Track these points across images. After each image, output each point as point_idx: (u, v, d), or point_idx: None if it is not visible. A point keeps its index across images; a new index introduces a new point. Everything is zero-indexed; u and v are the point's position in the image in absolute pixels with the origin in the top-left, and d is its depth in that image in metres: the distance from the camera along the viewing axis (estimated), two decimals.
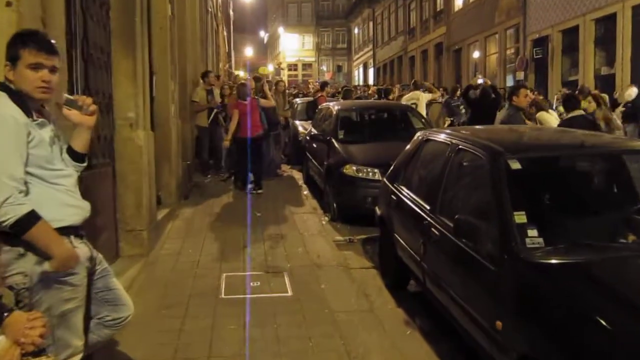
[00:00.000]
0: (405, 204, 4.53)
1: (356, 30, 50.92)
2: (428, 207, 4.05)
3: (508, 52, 23.08)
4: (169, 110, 7.47)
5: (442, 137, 4.40)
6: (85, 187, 3.28)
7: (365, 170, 7.15)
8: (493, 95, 9.28)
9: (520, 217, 2.97)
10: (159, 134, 7.34)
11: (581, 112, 7.02)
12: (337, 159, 7.65)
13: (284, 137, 11.21)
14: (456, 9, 27.64)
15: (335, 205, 7.57)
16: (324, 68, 57.08)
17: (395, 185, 4.96)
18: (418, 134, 5.09)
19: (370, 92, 18.52)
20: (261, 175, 9.02)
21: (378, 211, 5.39)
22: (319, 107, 10.27)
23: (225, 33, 37.97)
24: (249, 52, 64.43)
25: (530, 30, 20.98)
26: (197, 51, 12.53)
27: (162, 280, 4.93)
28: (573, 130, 5.00)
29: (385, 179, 5.35)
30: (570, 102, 6.96)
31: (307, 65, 59.42)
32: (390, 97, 11.91)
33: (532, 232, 2.90)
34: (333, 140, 8.11)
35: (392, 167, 5.34)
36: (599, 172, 3.81)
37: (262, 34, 70.03)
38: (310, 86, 20.77)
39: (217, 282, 4.87)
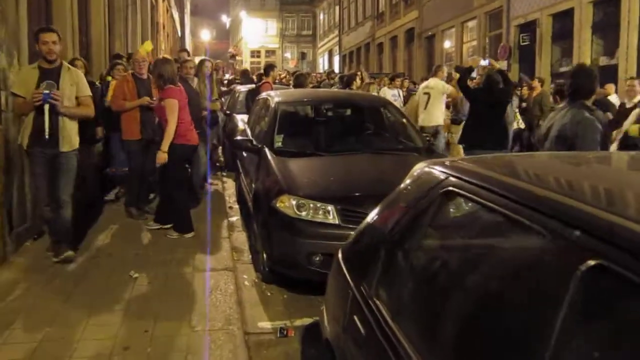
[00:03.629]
0: None
1: (321, 16, 48.27)
2: None
3: (488, 39, 20.57)
4: None
5: (520, 200, 1.46)
6: None
7: (312, 206, 4.27)
8: (502, 85, 6.51)
9: None
10: None
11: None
12: (269, 184, 4.75)
13: (210, 138, 8.23)
14: None
15: (265, 257, 4.69)
16: (288, 55, 54.82)
17: (364, 288, 2.10)
18: (421, 167, 2.17)
19: (334, 80, 15.44)
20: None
21: (326, 329, 2.53)
22: (257, 98, 7.30)
23: (176, 15, 34.52)
24: (208, 36, 61.05)
25: (514, 14, 18.52)
26: (100, 22, 9.43)
27: None
28: None
29: (342, 261, 2.48)
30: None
31: (270, 52, 56.83)
32: (353, 86, 9.00)
33: None
34: (266, 151, 5.18)
35: (355, 240, 2.48)
36: None
37: (225, 18, 66.64)
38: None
39: None
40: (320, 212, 4.23)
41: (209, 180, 8.39)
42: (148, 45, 6.15)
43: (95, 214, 6.39)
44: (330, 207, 4.21)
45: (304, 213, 4.25)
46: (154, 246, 5.40)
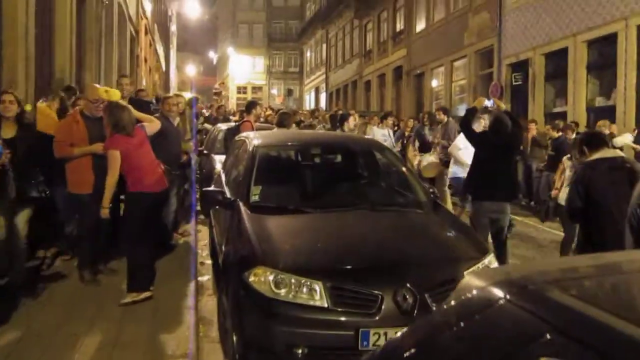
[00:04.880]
0: None
1: (308, 53, 48.27)
2: None
3: (478, 78, 20.10)
4: None
5: None
6: None
7: (294, 282, 3.35)
8: (510, 127, 5.74)
9: None
10: None
11: (617, 152, 3.92)
12: (241, 250, 3.83)
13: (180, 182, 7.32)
14: (418, 29, 24.70)
15: (235, 340, 3.72)
16: (275, 92, 54.76)
17: None
18: (479, 291, 1.24)
19: (320, 118, 14.49)
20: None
21: None
22: (235, 139, 6.44)
23: (161, 49, 33.94)
24: (194, 72, 60.90)
25: (506, 53, 18.13)
26: (66, 53, 8.60)
27: None
28: None
29: None
30: (595, 140, 4.17)
31: (257, 89, 56.86)
32: (346, 127, 8.17)
33: None
34: (240, 207, 4.27)
35: None
36: None
37: (212, 54, 66.71)
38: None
39: None
40: (305, 291, 3.31)
41: (180, 230, 7.46)
42: (115, 95, 5.18)
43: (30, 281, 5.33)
44: (317, 285, 3.30)
45: (283, 291, 3.33)
46: (98, 321, 4.41)
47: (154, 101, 9.15)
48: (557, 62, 15.86)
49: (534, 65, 16.68)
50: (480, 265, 3.63)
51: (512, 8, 17.49)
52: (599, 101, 14.56)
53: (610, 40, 13.61)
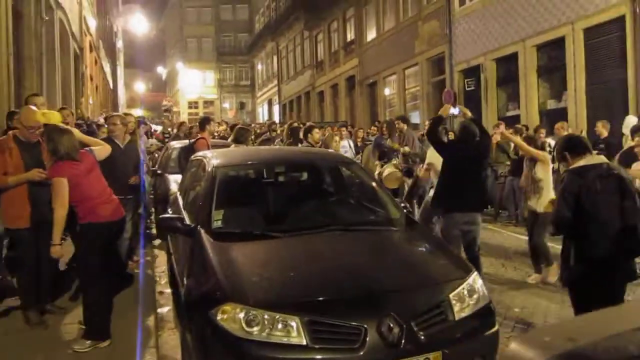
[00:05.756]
0: None
1: (259, 66, 47.99)
2: None
3: (431, 85, 20.23)
4: None
5: None
6: None
7: (267, 319, 3.02)
8: (478, 137, 5.58)
9: None
10: None
11: (601, 158, 3.71)
12: (206, 285, 3.46)
13: (134, 207, 6.85)
14: (369, 38, 24.80)
15: None
16: (227, 105, 54.24)
17: None
18: None
19: (278, 132, 13.93)
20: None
21: None
22: (191, 158, 6.04)
23: (108, 67, 32.91)
24: (143, 88, 59.74)
25: (457, 59, 18.33)
26: (3, 73, 8.02)
27: None
28: None
29: None
30: (578, 145, 3.87)
31: (208, 103, 56.28)
32: (310, 140, 7.82)
33: None
34: (201, 235, 3.90)
35: None
36: None
37: (161, 69, 65.52)
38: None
39: None
40: (280, 328, 2.98)
41: (135, 258, 6.99)
42: (56, 117, 4.62)
43: None
44: (293, 320, 2.98)
45: (256, 330, 2.99)
46: None
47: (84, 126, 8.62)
48: (508, 67, 16.13)
49: (485, 71, 16.92)
50: (465, 285, 3.39)
51: (461, 15, 17.71)
52: (551, 104, 14.84)
53: (558, 44, 13.90)
